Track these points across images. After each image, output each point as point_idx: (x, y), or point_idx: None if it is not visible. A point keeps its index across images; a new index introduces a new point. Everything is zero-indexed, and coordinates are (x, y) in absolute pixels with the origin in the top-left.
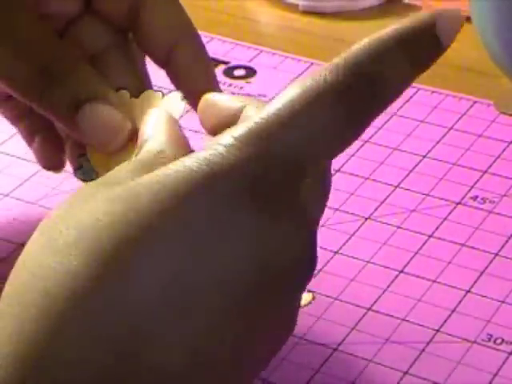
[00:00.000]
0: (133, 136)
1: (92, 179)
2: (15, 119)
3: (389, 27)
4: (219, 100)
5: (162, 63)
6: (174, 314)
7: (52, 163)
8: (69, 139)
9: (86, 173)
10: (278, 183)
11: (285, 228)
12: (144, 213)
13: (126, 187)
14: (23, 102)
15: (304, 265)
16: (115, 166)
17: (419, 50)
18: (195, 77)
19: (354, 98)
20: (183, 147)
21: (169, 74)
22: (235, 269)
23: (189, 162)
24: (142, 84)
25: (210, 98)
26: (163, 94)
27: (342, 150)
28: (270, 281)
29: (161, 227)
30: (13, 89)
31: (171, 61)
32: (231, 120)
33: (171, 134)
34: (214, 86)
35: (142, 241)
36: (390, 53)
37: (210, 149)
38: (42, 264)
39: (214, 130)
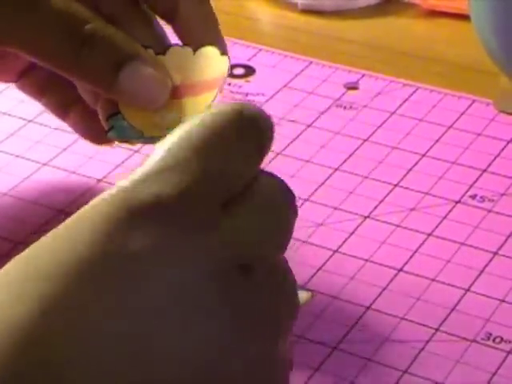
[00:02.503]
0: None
1: (127, 137)
2: (37, 93)
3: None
4: None
5: (168, 18)
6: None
7: (101, 136)
8: (98, 102)
9: (119, 132)
10: (204, 195)
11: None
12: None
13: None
14: (43, 74)
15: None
16: (161, 122)
17: None
18: (198, 30)
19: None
20: None
21: (174, 28)
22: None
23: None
24: (163, 40)
25: None
26: (194, 51)
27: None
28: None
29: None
30: (44, 59)
31: (176, 16)
32: None
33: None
34: (217, 39)
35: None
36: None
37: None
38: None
39: None
